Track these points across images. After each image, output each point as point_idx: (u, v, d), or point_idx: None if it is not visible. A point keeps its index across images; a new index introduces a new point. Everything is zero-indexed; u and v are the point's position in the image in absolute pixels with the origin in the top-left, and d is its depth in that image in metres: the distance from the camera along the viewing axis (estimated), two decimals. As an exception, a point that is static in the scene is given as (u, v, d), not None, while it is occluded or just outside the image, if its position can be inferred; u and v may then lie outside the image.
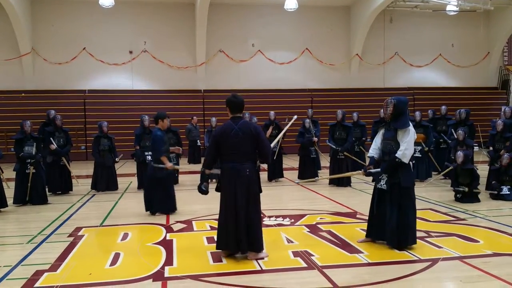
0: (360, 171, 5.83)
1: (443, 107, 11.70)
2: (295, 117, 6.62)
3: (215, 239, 5.61)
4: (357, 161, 11.15)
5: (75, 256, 5.28)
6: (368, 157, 5.68)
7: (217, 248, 5.14)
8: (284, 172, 11.95)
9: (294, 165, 14.15)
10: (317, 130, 12.11)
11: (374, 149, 5.59)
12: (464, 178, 8.24)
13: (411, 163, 5.31)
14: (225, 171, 5.05)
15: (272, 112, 11.66)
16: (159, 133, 7.28)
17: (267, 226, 6.48)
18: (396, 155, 5.20)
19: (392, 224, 5.25)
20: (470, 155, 8.50)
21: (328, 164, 11.06)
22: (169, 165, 7.43)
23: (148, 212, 7.45)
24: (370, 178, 5.73)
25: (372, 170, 5.45)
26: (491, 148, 9.26)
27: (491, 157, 9.16)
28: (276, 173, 11.44)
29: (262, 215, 5.29)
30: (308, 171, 11.02)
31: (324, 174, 11.89)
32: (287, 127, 6.70)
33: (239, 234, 4.94)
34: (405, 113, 5.35)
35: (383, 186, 5.37)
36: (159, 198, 7.38)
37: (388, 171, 5.30)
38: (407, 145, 5.19)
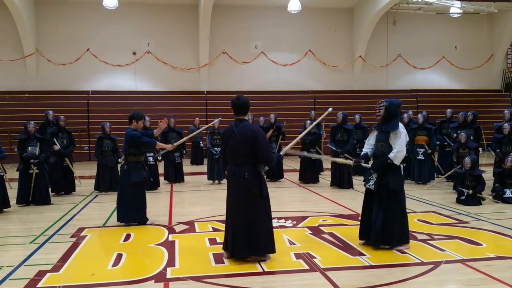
0: (351, 162, 5.96)
1: (449, 110, 11.65)
2: (330, 109, 6.27)
3: (218, 241, 5.64)
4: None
5: (77, 257, 5.29)
6: (362, 153, 5.70)
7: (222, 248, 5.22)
8: (285, 173, 11.96)
9: (296, 167, 14.16)
10: (320, 131, 12.14)
11: (367, 147, 5.68)
12: (470, 182, 8.23)
13: (401, 166, 5.33)
14: (227, 173, 5.10)
15: (272, 115, 11.74)
16: (135, 132, 6.72)
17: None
18: (389, 156, 5.23)
19: (377, 225, 5.28)
20: (477, 160, 8.47)
21: (329, 166, 11.05)
22: (169, 146, 7.29)
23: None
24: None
25: (363, 164, 5.50)
26: (498, 150, 9.22)
27: (499, 158, 9.12)
28: (275, 174, 11.45)
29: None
30: (308, 173, 11.03)
31: (326, 176, 11.89)
32: (320, 118, 6.53)
33: (234, 239, 4.92)
34: (397, 116, 5.38)
35: (371, 186, 5.40)
36: (135, 206, 6.75)
37: (378, 170, 5.34)
38: (400, 147, 5.23)
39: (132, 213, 6.77)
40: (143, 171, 6.85)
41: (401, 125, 5.36)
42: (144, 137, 6.77)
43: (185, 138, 8.56)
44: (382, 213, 5.29)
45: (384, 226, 5.27)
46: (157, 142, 7.05)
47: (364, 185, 5.55)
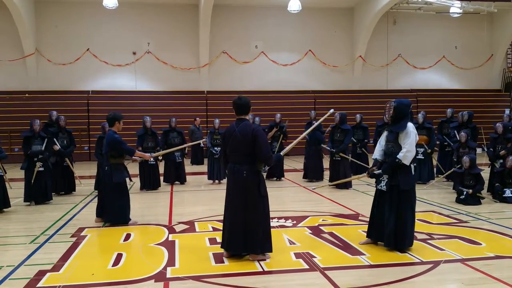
0: (365, 174, 5.84)
1: (449, 110, 11.65)
2: (332, 110, 6.28)
3: (218, 240, 5.65)
4: (357, 163, 11.14)
5: (77, 256, 5.30)
6: (373, 159, 5.69)
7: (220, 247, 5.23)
8: (286, 173, 11.97)
9: (297, 167, 14.18)
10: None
11: (378, 151, 5.61)
12: (469, 181, 8.24)
13: (412, 166, 5.29)
14: (227, 172, 5.15)
15: (278, 115, 11.83)
16: (117, 135, 6.76)
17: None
18: (398, 156, 5.20)
19: (390, 226, 5.27)
20: (475, 159, 8.49)
21: (327, 166, 11.11)
22: (147, 155, 7.51)
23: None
24: (372, 180, 5.73)
25: (376, 172, 5.45)
26: (491, 149, 9.29)
27: (489, 156, 9.21)
28: (275, 173, 11.47)
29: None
30: (311, 168, 11.22)
31: (325, 176, 11.90)
32: (322, 119, 6.61)
33: (230, 235, 4.97)
34: (407, 115, 5.33)
35: (382, 187, 5.39)
36: (120, 207, 6.84)
37: (389, 172, 5.31)
38: (409, 147, 5.18)
39: (117, 213, 6.85)
40: (125, 172, 6.95)
41: (411, 124, 5.31)
42: (124, 143, 6.85)
43: (166, 151, 8.77)
44: (394, 214, 5.27)
45: (396, 228, 5.24)
46: (136, 151, 7.18)
47: (376, 186, 5.55)
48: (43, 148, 8.77)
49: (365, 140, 11.97)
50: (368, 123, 12.75)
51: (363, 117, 12.19)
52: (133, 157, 7.12)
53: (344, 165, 10.15)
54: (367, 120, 13.02)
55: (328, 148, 10.29)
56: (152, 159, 10.01)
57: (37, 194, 8.66)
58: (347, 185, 10.08)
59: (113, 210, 6.81)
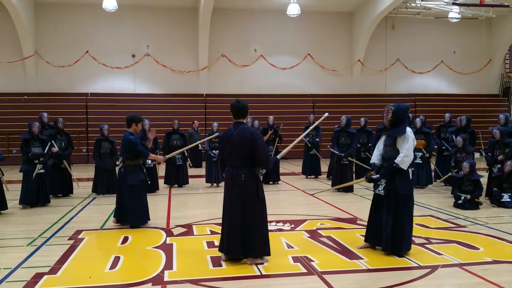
0: (363, 178, 5.85)
1: (447, 114, 11.68)
2: (326, 114, 6.33)
3: (215, 244, 5.64)
4: (363, 167, 11.16)
5: (75, 259, 5.29)
6: (371, 163, 5.70)
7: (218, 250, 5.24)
8: (284, 177, 11.97)
9: (295, 170, 14.18)
10: (318, 135, 12.24)
11: (376, 156, 5.61)
12: (468, 187, 8.25)
13: (410, 170, 5.30)
14: (225, 175, 5.16)
15: (271, 117, 11.84)
16: (132, 137, 6.73)
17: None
18: (395, 161, 5.21)
19: (387, 231, 5.27)
20: (475, 164, 8.49)
21: (327, 169, 11.11)
22: (161, 158, 7.50)
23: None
24: (370, 184, 5.74)
25: (374, 176, 5.46)
26: (489, 154, 9.31)
27: (487, 161, 9.23)
28: (271, 177, 11.46)
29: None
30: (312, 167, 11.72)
31: (324, 180, 11.91)
32: (317, 123, 6.63)
33: (229, 239, 4.97)
34: (405, 120, 5.35)
35: (380, 191, 5.39)
36: (135, 208, 6.80)
37: (386, 177, 5.32)
38: (407, 151, 5.19)
39: (131, 215, 6.80)
40: (140, 174, 6.87)
41: (409, 129, 5.33)
42: (139, 145, 6.80)
43: (179, 150, 8.68)
44: (391, 219, 5.27)
45: (394, 232, 5.24)
46: (150, 154, 7.08)
47: (374, 191, 5.55)
48: (45, 151, 8.76)
49: (369, 144, 11.98)
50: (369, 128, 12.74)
51: (367, 121, 12.13)
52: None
53: (350, 169, 10.17)
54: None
55: (337, 152, 10.24)
56: (150, 161, 10.02)
57: (36, 197, 8.61)
58: (350, 189, 10.06)
59: (128, 213, 6.78)
